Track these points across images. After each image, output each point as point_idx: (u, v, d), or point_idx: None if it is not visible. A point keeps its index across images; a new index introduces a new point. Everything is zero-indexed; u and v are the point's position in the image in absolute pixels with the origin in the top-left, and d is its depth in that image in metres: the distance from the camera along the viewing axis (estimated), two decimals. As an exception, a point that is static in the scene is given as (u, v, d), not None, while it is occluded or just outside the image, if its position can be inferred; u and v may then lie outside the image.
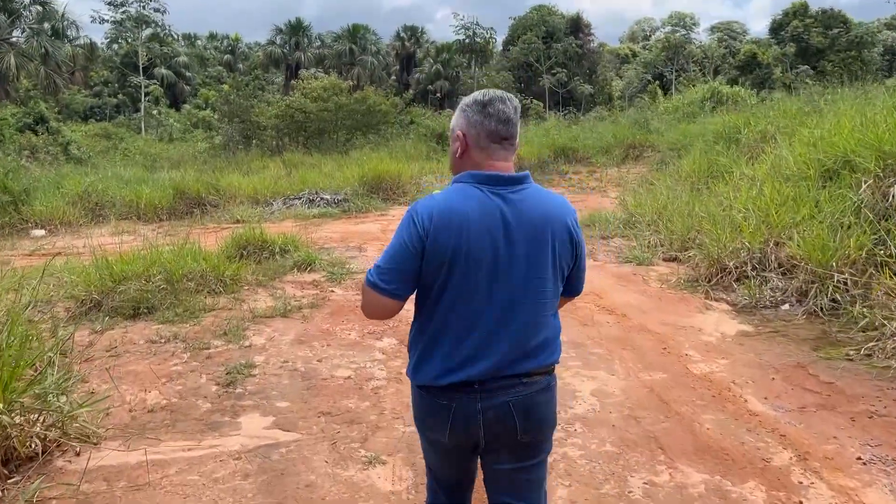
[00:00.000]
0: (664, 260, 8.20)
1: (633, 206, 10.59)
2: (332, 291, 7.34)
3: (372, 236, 11.06)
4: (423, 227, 1.83)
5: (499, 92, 1.98)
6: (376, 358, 4.73)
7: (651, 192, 12.16)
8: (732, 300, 6.11)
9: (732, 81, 37.84)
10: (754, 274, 6.28)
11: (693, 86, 35.71)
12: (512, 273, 1.87)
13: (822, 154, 7.77)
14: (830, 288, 5.46)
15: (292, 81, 34.19)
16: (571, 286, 2.13)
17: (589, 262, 8.11)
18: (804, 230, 6.23)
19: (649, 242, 8.83)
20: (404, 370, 4.38)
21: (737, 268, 6.41)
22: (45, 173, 16.85)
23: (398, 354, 4.79)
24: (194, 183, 15.01)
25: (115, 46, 54.95)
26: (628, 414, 3.78)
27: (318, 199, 14.05)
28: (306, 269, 8.36)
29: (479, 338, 1.88)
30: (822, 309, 5.40)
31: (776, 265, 6.27)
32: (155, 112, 37.96)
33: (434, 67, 55.28)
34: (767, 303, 5.82)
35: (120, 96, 50.14)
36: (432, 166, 18.95)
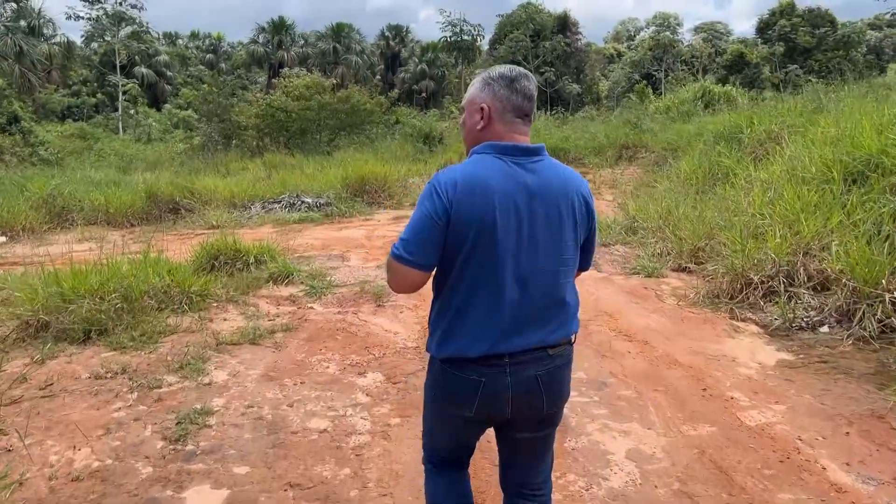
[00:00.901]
0: (674, 270, 7.54)
1: (635, 211, 9.93)
2: (311, 308, 6.60)
3: (356, 243, 10.33)
4: (447, 197, 1.82)
5: (521, 69, 2.00)
6: (359, 402, 3.97)
7: (652, 195, 11.52)
8: (761, 320, 5.44)
9: (721, 81, 37.44)
10: (782, 289, 5.61)
11: (683, 85, 35.24)
12: (537, 241, 1.88)
13: (844, 155, 7.13)
14: (880, 309, 4.79)
15: (274, 80, 33.32)
16: (585, 259, 2.13)
17: (594, 273, 7.42)
18: (839, 240, 5.58)
19: (656, 251, 8.16)
20: (392, 420, 3.81)
21: (762, 282, 5.74)
22: (11, 175, 15.92)
23: (385, 397, 4.06)
24: (168, 186, 14.20)
25: (95, 45, 53.79)
26: (679, 489, 3.01)
27: (300, 202, 13.29)
28: (283, 281, 7.63)
29: (508, 309, 1.87)
30: (872, 334, 4.73)
31: (805, 279, 5.61)
32: (132, 112, 36.90)
33: (419, 67, 54.71)
34: (802, 324, 5.15)
35: (99, 96, 48.97)
36: (419, 168, 18.23)
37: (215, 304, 6.69)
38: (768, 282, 5.72)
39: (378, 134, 23.60)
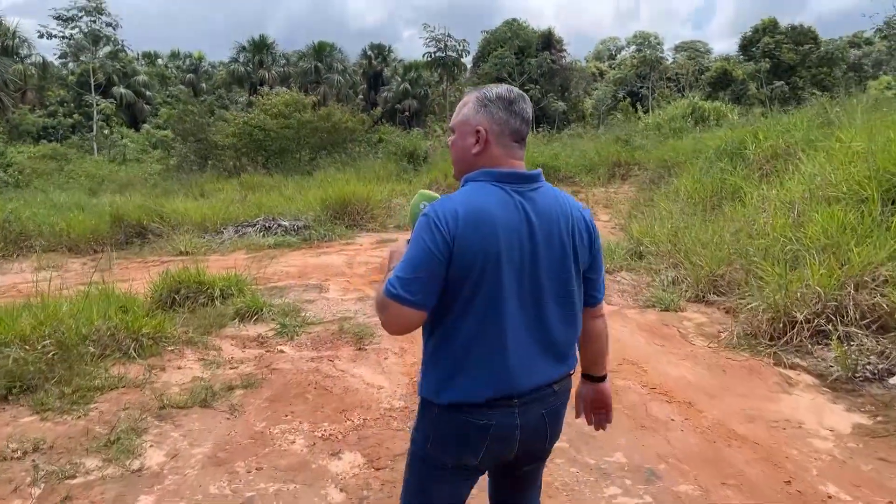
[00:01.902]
0: (691, 301, 6.73)
1: (640, 233, 9.13)
2: (281, 352, 5.71)
3: (335, 270, 9.45)
4: (448, 230, 1.68)
5: (518, 90, 1.89)
6: (332, 501, 3.04)
7: (653, 215, 10.77)
8: (814, 368, 4.61)
9: (707, 97, 37.14)
10: (831, 329, 4.80)
11: (669, 102, 34.89)
12: (539, 274, 1.77)
13: (880, 172, 6.39)
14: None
15: (252, 98, 32.47)
16: (594, 290, 1.97)
17: (608, 308, 6.58)
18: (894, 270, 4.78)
19: (667, 279, 7.36)
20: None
21: (807, 321, 4.92)
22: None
23: (365, 495, 3.14)
24: (135, 209, 13.23)
25: (72, 65, 52.75)
26: None
27: (275, 226, 12.39)
28: (251, 318, 6.75)
29: (514, 347, 1.75)
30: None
31: (858, 317, 4.80)
32: (107, 132, 35.85)
33: (402, 86, 54.21)
34: (867, 373, 4.33)
35: (76, 116, 47.77)
36: (403, 188, 17.38)
37: (170, 349, 5.77)
38: (814, 319, 4.91)
39: (360, 153, 22.75)
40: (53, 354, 5.12)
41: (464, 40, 29.24)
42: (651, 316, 6.16)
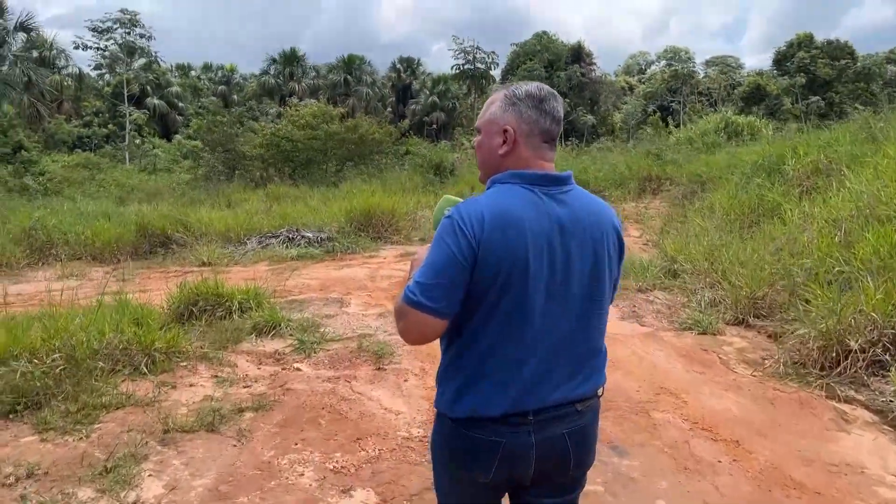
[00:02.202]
0: (730, 324, 6.35)
1: (674, 251, 8.76)
2: (297, 370, 5.47)
3: (357, 284, 9.22)
4: (472, 234, 1.57)
5: (549, 87, 1.76)
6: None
7: (687, 231, 10.39)
8: (871, 402, 4.23)
9: (740, 112, 36.53)
10: (889, 359, 4.41)
11: (701, 116, 34.36)
12: (570, 284, 1.66)
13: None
14: None
15: (282, 109, 32.59)
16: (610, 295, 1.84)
17: (637, 328, 6.25)
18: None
19: (704, 299, 6.99)
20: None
21: (863, 350, 4.54)
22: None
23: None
24: (159, 218, 13.16)
25: (108, 77, 53.68)
26: None
27: (299, 237, 12.21)
28: (269, 333, 6.53)
29: (537, 361, 1.64)
30: None
31: (917, 346, 4.41)
32: (138, 141, 36.28)
33: (430, 99, 54.31)
34: (932, 410, 3.95)
35: (110, 126, 48.56)
36: (429, 199, 17.17)
37: (184, 365, 5.56)
38: (870, 349, 4.52)
39: (387, 164, 22.61)
40: (62, 369, 4.93)
41: (492, 52, 29.03)
42: (688, 339, 5.80)
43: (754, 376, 4.78)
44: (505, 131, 1.71)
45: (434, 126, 52.54)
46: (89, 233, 12.60)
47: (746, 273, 6.87)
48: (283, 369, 5.55)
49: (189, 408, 4.43)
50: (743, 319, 6.40)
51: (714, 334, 6.00)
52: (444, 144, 35.95)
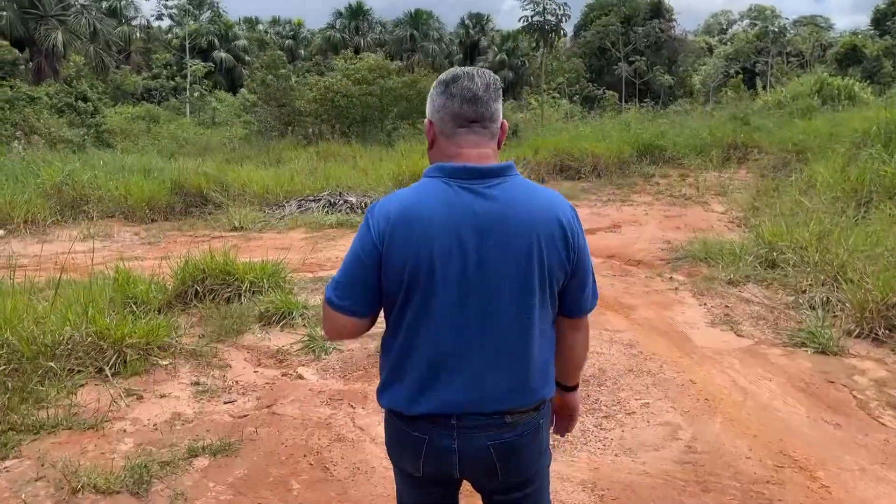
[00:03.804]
0: (852, 335, 4.93)
1: (771, 235, 7.26)
2: (300, 378, 4.40)
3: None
4: (377, 233, 1.54)
5: (468, 68, 1.65)
6: None
7: (785, 210, 8.85)
8: None
9: (833, 75, 33.49)
10: None
11: (790, 79, 31.67)
12: (488, 285, 1.55)
13: None
14: None
15: (333, 58, 31.45)
16: (574, 304, 1.69)
17: (732, 340, 4.89)
18: None
19: (815, 300, 5.56)
20: None
21: None
22: (32, 157, 14.40)
23: None
24: (196, 176, 12.29)
25: (177, 29, 53.80)
26: None
27: (341, 202, 11.14)
28: (279, 321, 5.47)
29: (453, 363, 1.57)
30: None
31: None
32: (196, 94, 35.92)
33: (498, 56, 52.72)
34: None
35: (178, 79, 48.69)
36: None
37: (166, 364, 4.55)
38: None
39: (447, 124, 21.27)
40: (9, 369, 3.98)
41: (564, 4, 26.93)
42: (803, 362, 4.42)
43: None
44: (428, 125, 1.66)
45: (501, 85, 50.91)
46: (123, 189, 11.83)
47: (874, 270, 5.41)
48: (282, 375, 4.49)
49: (137, 440, 3.38)
50: (871, 331, 4.98)
51: (836, 354, 4.60)
52: (512, 103, 34.27)
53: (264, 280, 6.15)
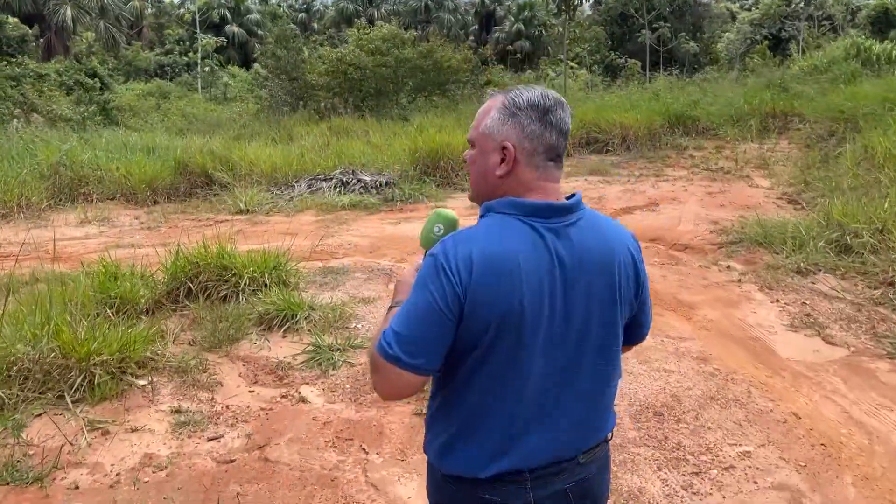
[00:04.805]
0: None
1: (841, 216, 6.38)
2: (302, 401, 3.67)
3: (416, 247, 7.25)
4: (459, 282, 1.33)
5: (553, 94, 1.48)
6: None
7: (839, 185, 7.97)
8: None
9: (867, 38, 31.92)
10: None
11: (820, 44, 30.29)
12: (571, 331, 1.41)
13: None
14: None
15: (347, 31, 30.39)
16: (635, 334, 1.63)
17: (818, 346, 4.05)
18: None
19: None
20: None
21: None
22: (29, 136, 13.69)
23: None
24: (200, 155, 11.53)
25: (189, 4, 52.91)
26: None
27: (354, 180, 10.33)
28: (282, 326, 4.73)
29: (532, 416, 1.43)
30: None
31: None
32: (207, 69, 35.11)
33: (515, 26, 51.67)
34: None
35: (190, 55, 47.91)
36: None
37: (142, 384, 3.82)
38: None
39: (465, 96, 20.26)
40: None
41: (585, -35, 25.78)
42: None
43: None
44: (504, 148, 1.43)
45: (518, 56, 49.69)
46: (124, 169, 11.10)
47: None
48: (282, 396, 3.74)
49: (88, 502, 2.64)
50: None
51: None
52: (529, 75, 33.14)
53: (266, 274, 5.40)
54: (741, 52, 41.42)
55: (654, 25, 35.82)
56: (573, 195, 1.48)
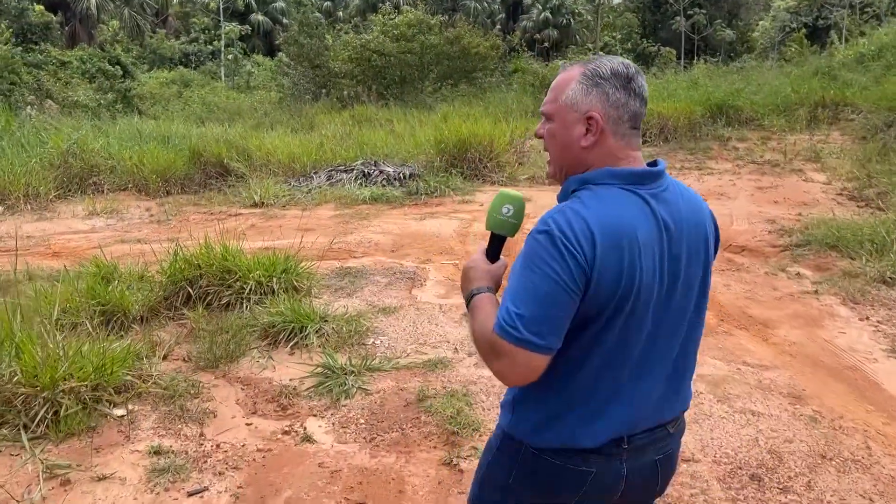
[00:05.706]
0: None
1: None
2: (306, 440, 3.09)
3: (441, 245, 6.69)
4: (583, 255, 1.28)
5: (631, 63, 1.45)
6: None
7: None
8: None
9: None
10: None
11: (863, 32, 29.12)
12: (677, 296, 1.40)
13: None
14: None
15: (371, 16, 29.70)
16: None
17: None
18: None
19: None
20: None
21: None
22: (41, 123, 13.26)
23: None
24: (216, 144, 10.97)
25: (213, -8, 52.66)
26: None
27: (376, 172, 9.70)
28: (289, 340, 4.12)
29: (639, 385, 1.40)
30: None
31: None
32: (230, 57, 34.71)
33: (542, 15, 50.72)
34: None
35: (216, 43, 47.70)
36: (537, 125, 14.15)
37: (118, 415, 3.22)
38: None
39: (492, 84, 19.51)
40: None
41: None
42: None
43: None
44: (589, 119, 1.38)
45: (545, 44, 48.84)
46: (136, 159, 10.58)
47: None
48: (284, 432, 3.13)
49: None
50: None
51: None
52: (558, 63, 32.27)
53: (274, 279, 4.78)
54: (778, 40, 40.11)
55: (688, 12, 34.68)
56: (655, 161, 1.44)
